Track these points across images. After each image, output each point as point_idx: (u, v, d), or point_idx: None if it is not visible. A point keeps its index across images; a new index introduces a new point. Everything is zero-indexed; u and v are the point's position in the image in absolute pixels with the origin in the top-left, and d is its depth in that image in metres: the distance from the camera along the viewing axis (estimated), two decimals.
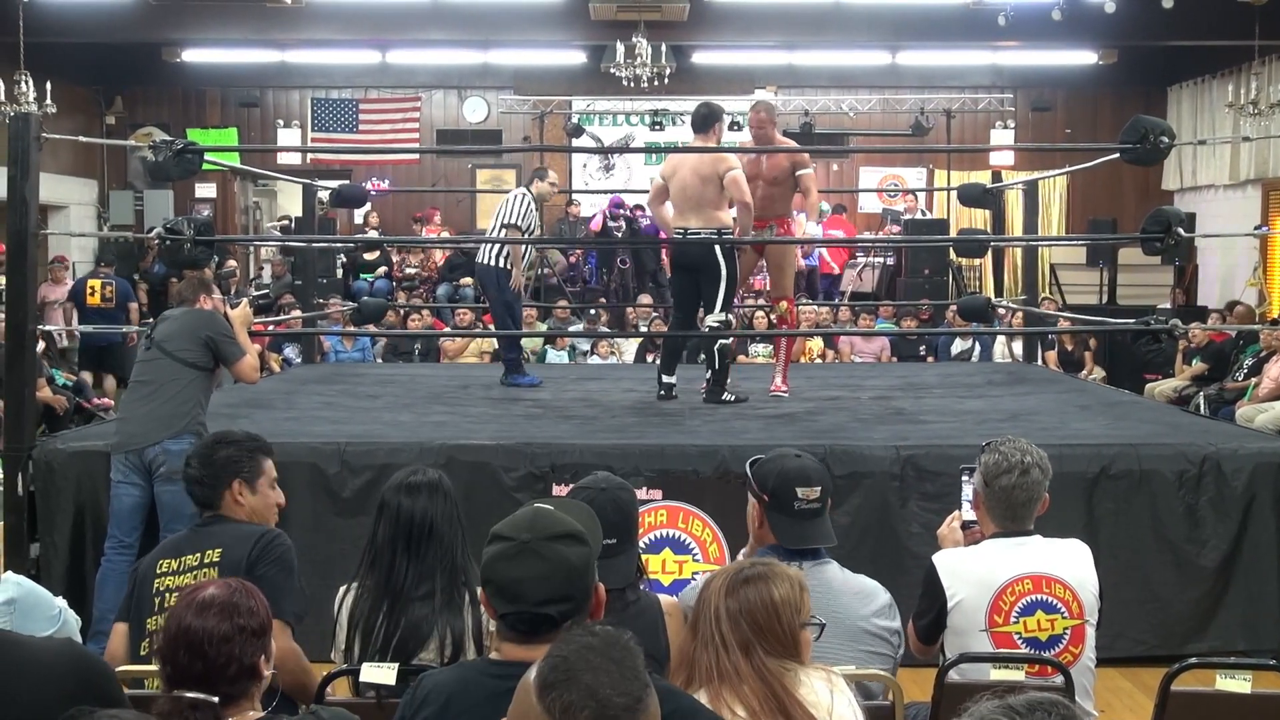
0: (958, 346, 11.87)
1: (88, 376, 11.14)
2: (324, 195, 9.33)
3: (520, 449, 5.25)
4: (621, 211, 13.68)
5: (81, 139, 8.00)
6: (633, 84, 13.21)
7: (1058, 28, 11.81)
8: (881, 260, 14.43)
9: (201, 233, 5.79)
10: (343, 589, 3.14)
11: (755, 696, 2.29)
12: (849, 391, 7.38)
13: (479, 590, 2.29)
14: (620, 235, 13.44)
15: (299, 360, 9.95)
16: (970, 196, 8.40)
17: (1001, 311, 11.25)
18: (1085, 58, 14.88)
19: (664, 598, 2.94)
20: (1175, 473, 5.19)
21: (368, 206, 14.87)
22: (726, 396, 6.63)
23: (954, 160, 15.09)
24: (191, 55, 15.03)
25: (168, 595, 3.13)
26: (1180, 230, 5.80)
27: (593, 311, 12.63)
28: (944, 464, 5.01)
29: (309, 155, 15.10)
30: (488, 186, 15.84)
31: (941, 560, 3.17)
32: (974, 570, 3.11)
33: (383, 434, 5.61)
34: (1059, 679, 2.93)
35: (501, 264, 7.46)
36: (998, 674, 2.91)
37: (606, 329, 12.49)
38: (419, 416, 6.37)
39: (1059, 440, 5.33)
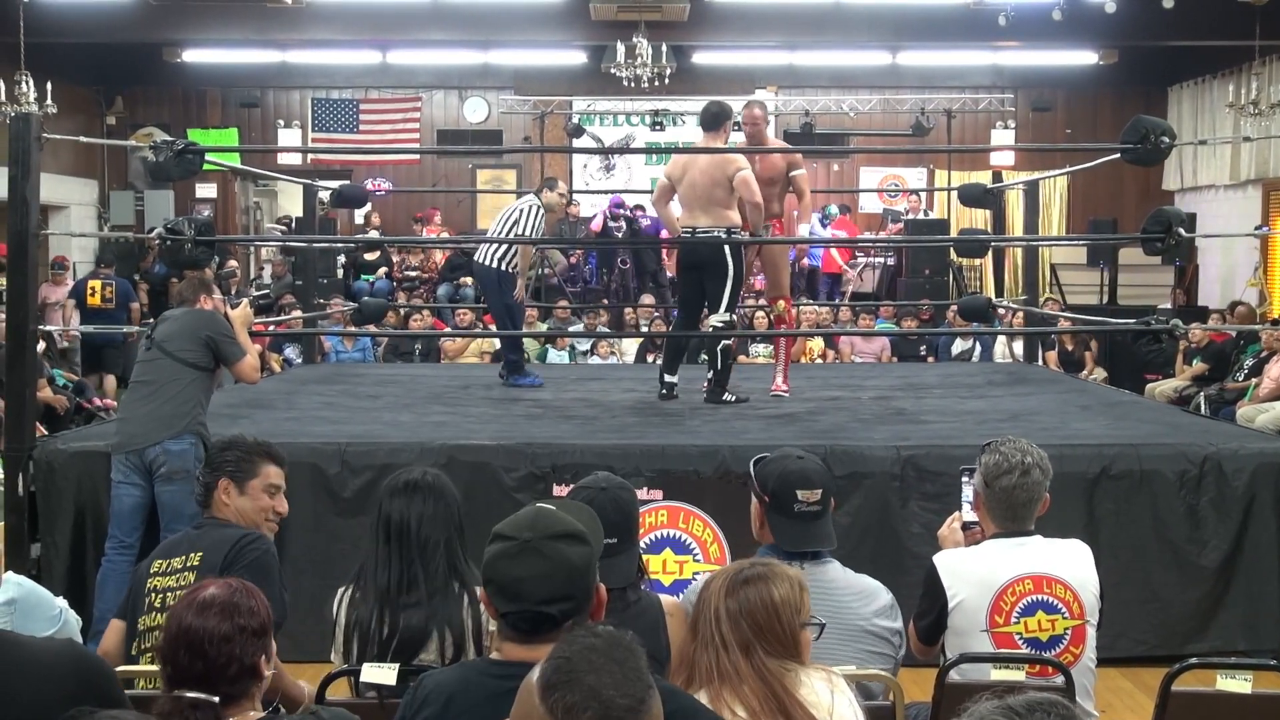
0: (958, 347, 11.87)
1: (90, 377, 11.17)
2: (324, 195, 9.33)
3: (521, 449, 5.25)
4: (622, 211, 13.68)
5: (82, 139, 7.98)
6: (633, 84, 13.21)
7: (1058, 28, 11.82)
8: (882, 260, 14.43)
9: (202, 233, 5.78)
10: (341, 590, 3.14)
11: (755, 696, 2.29)
12: (849, 392, 7.38)
13: (480, 589, 2.29)
14: (620, 235, 13.44)
15: (299, 360, 9.95)
16: (971, 196, 8.40)
17: (1002, 312, 11.25)
18: (1086, 58, 14.88)
19: (665, 598, 2.94)
20: (1176, 473, 5.19)
21: (369, 207, 14.89)
22: (727, 397, 6.62)
23: (954, 160, 15.09)
24: (192, 55, 15.04)
25: (155, 596, 3.14)
26: (1181, 230, 5.80)
27: (588, 312, 12.62)
28: (944, 464, 5.01)
29: (309, 155, 15.10)
30: (488, 187, 15.85)
31: (942, 561, 3.17)
32: (975, 571, 3.11)
33: (383, 434, 5.61)
34: (1059, 679, 2.93)
35: (501, 267, 7.47)
36: (998, 674, 2.91)
37: (606, 329, 12.49)
38: (419, 417, 6.37)
39: (1060, 440, 5.33)
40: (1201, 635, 5.15)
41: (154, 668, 2.46)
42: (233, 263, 14.03)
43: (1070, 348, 11.62)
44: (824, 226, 14.31)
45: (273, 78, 15.79)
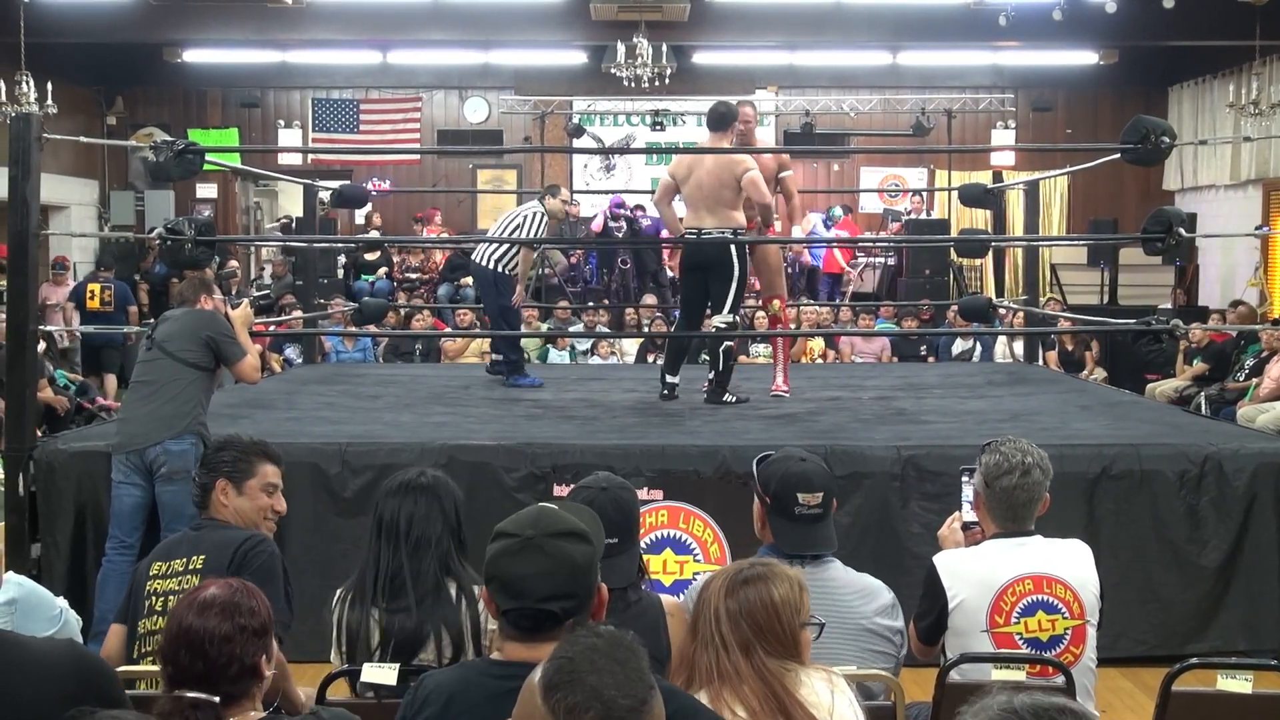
0: (958, 347, 11.87)
1: (91, 378, 11.18)
2: (325, 196, 9.33)
3: (521, 449, 5.25)
4: (622, 212, 13.68)
5: (82, 139, 7.98)
6: (633, 84, 13.21)
7: (1058, 28, 11.82)
8: (882, 260, 14.44)
9: (202, 233, 5.78)
10: (340, 590, 3.13)
11: (756, 697, 2.29)
12: (850, 392, 7.38)
13: (480, 588, 2.29)
14: (621, 235, 13.44)
15: (300, 360, 9.96)
16: (971, 197, 8.40)
17: (1002, 312, 11.25)
18: (1086, 58, 14.88)
19: (666, 598, 2.94)
20: (1176, 473, 5.19)
21: (369, 207, 14.89)
22: (728, 398, 6.62)
23: (955, 160, 15.09)
24: (192, 55, 15.04)
25: (155, 599, 3.13)
26: (1181, 230, 5.80)
27: (585, 315, 12.61)
28: (945, 464, 5.01)
29: (310, 155, 15.10)
30: (489, 187, 15.86)
31: (942, 561, 3.17)
32: (975, 571, 3.11)
33: (384, 434, 5.61)
34: (1060, 679, 2.93)
35: (498, 269, 7.49)
36: (999, 674, 2.91)
37: (606, 329, 12.49)
38: (420, 417, 6.37)
39: (1060, 440, 5.33)
40: (1202, 635, 5.16)
41: (155, 668, 2.46)
42: (233, 263, 14.03)
43: (1070, 348, 11.62)
44: (827, 228, 14.31)
45: (273, 78, 15.79)
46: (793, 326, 11.49)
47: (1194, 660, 3.04)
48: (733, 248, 6.44)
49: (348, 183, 10.56)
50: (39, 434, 5.80)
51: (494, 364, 8.11)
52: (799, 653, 2.39)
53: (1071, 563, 3.12)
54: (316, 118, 15.76)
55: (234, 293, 12.47)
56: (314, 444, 5.32)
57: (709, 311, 6.77)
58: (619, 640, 1.67)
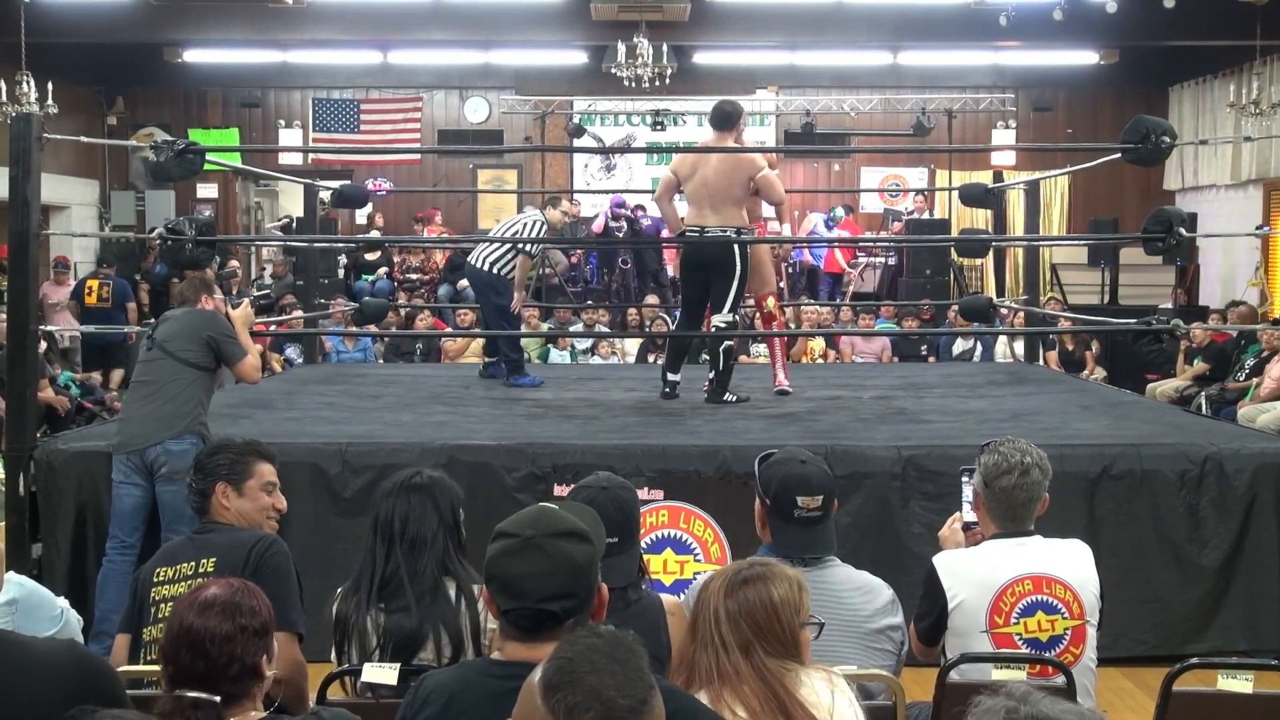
0: (959, 346, 11.87)
1: (96, 375, 11.21)
2: (325, 195, 9.33)
3: (522, 449, 5.25)
4: (623, 211, 13.68)
5: (83, 139, 7.98)
6: (634, 84, 13.22)
7: (1059, 28, 11.82)
8: (883, 260, 14.44)
9: (203, 233, 5.79)
10: (339, 590, 3.13)
11: (756, 697, 2.29)
12: (850, 391, 7.38)
13: (481, 588, 2.29)
14: (621, 235, 13.44)
15: (300, 360, 9.96)
16: (972, 196, 8.40)
17: (1003, 311, 11.25)
18: (1086, 58, 14.89)
19: (666, 597, 2.94)
20: (1177, 473, 5.19)
21: (370, 207, 14.90)
22: (728, 397, 6.62)
23: (955, 160, 15.09)
24: (193, 55, 15.05)
25: (163, 606, 3.10)
26: (1182, 230, 5.80)
27: (585, 313, 12.61)
28: (945, 464, 5.01)
29: (310, 155, 15.10)
30: (489, 187, 15.86)
31: (942, 562, 3.17)
32: (974, 571, 3.11)
33: (384, 434, 5.61)
34: (1060, 679, 2.93)
35: (494, 270, 7.51)
36: (999, 674, 2.91)
37: (606, 329, 12.49)
38: (420, 417, 6.37)
39: (1060, 440, 5.33)
40: (1202, 635, 5.16)
41: (157, 668, 2.45)
42: (234, 263, 14.04)
43: (1071, 348, 11.62)
44: (829, 228, 14.31)
45: (274, 78, 15.80)
46: (790, 325, 11.50)
47: (1194, 660, 3.04)
48: (735, 247, 6.45)
49: (348, 183, 10.56)
50: (39, 434, 5.81)
51: (486, 366, 8.12)
52: (799, 653, 2.39)
53: (1071, 563, 3.12)
54: (317, 118, 15.77)
55: (234, 293, 12.47)
56: (314, 444, 5.32)
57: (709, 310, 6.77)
58: (619, 640, 1.67)
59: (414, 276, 14.24)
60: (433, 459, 5.01)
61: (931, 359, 11.81)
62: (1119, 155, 5.97)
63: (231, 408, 6.42)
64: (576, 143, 14.48)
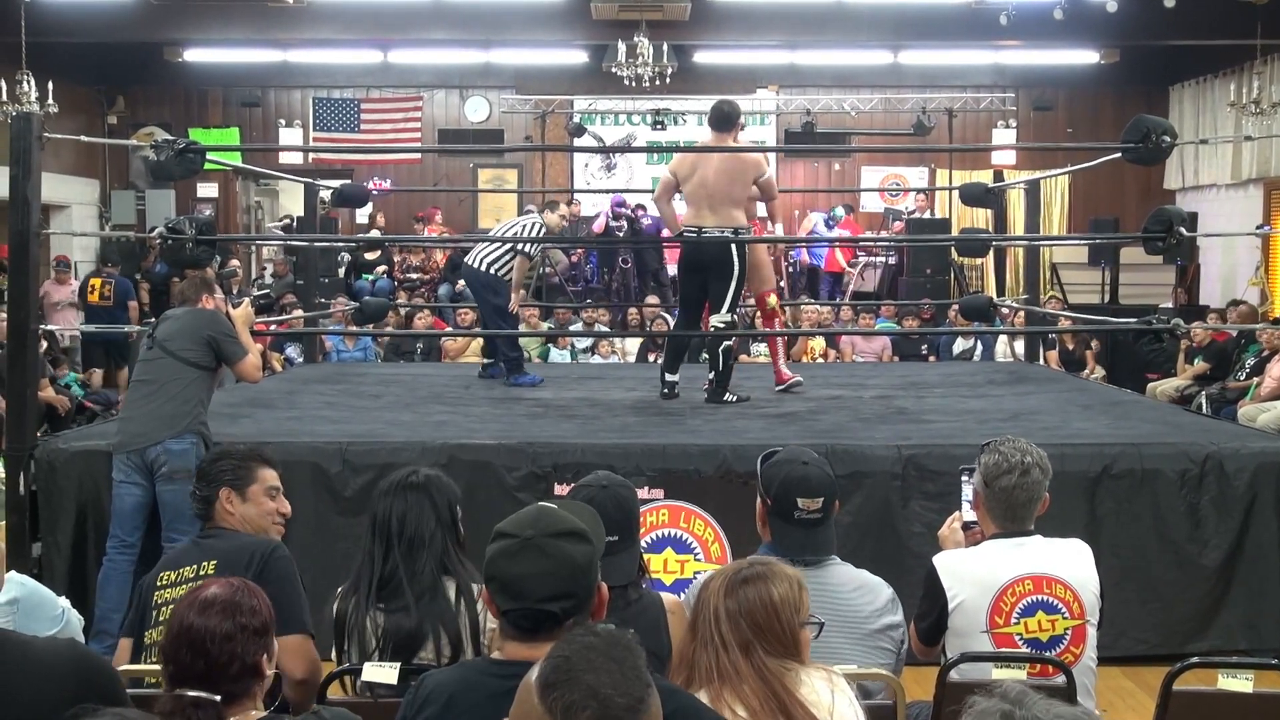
0: (959, 346, 11.86)
1: (99, 373, 11.23)
2: (325, 195, 9.34)
3: (522, 448, 5.25)
4: (623, 211, 13.68)
5: (83, 139, 7.99)
6: (634, 83, 13.22)
7: (1059, 27, 11.82)
8: (883, 260, 14.44)
9: (203, 232, 5.79)
10: (339, 590, 3.12)
11: (756, 696, 2.28)
12: (851, 391, 7.38)
13: (481, 587, 2.29)
14: (621, 235, 13.44)
15: (301, 360, 9.96)
16: (972, 196, 8.40)
17: (1003, 311, 11.25)
18: (1087, 57, 14.88)
19: (666, 596, 2.94)
20: (1177, 472, 5.19)
21: (371, 207, 14.90)
22: (729, 397, 6.62)
23: (956, 160, 15.08)
24: (193, 55, 15.05)
25: (164, 609, 3.10)
26: (1182, 230, 5.80)
27: (584, 313, 12.61)
28: (946, 463, 5.01)
29: (311, 155, 15.11)
30: (489, 186, 15.87)
31: (942, 562, 3.16)
32: (974, 571, 3.10)
33: (385, 433, 5.61)
34: (1060, 679, 2.93)
35: (491, 270, 7.52)
36: (999, 674, 2.91)
37: (605, 328, 12.49)
38: (421, 416, 6.37)
39: (1061, 440, 5.33)
40: (1202, 634, 5.16)
41: (158, 668, 2.46)
42: (235, 262, 14.05)
43: (1071, 347, 11.62)
44: (830, 227, 14.31)
45: (274, 77, 15.80)
46: (789, 324, 11.50)
47: (1195, 659, 3.03)
48: (733, 247, 6.45)
49: (348, 182, 10.57)
50: (40, 433, 5.81)
51: (485, 368, 8.12)
52: (799, 652, 2.39)
53: (1071, 562, 3.11)
54: (317, 117, 15.77)
55: (235, 292, 12.48)
56: (315, 443, 5.32)
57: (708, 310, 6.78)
58: (616, 639, 1.67)
59: (414, 276, 14.24)
60: (433, 458, 5.01)
61: (932, 358, 11.80)
62: (1119, 155, 5.97)
63: (232, 407, 6.42)
64: (577, 142, 14.48)
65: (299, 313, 9.77)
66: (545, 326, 12.12)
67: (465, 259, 7.96)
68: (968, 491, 3.38)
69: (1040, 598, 3.05)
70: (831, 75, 15.60)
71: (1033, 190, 8.78)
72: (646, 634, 2.74)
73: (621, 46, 12.89)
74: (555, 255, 13.81)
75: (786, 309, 11.38)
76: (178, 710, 2.20)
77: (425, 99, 15.89)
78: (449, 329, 12.16)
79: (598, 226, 13.78)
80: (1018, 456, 3.12)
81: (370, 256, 14.15)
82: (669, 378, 6.82)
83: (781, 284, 13.11)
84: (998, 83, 15.54)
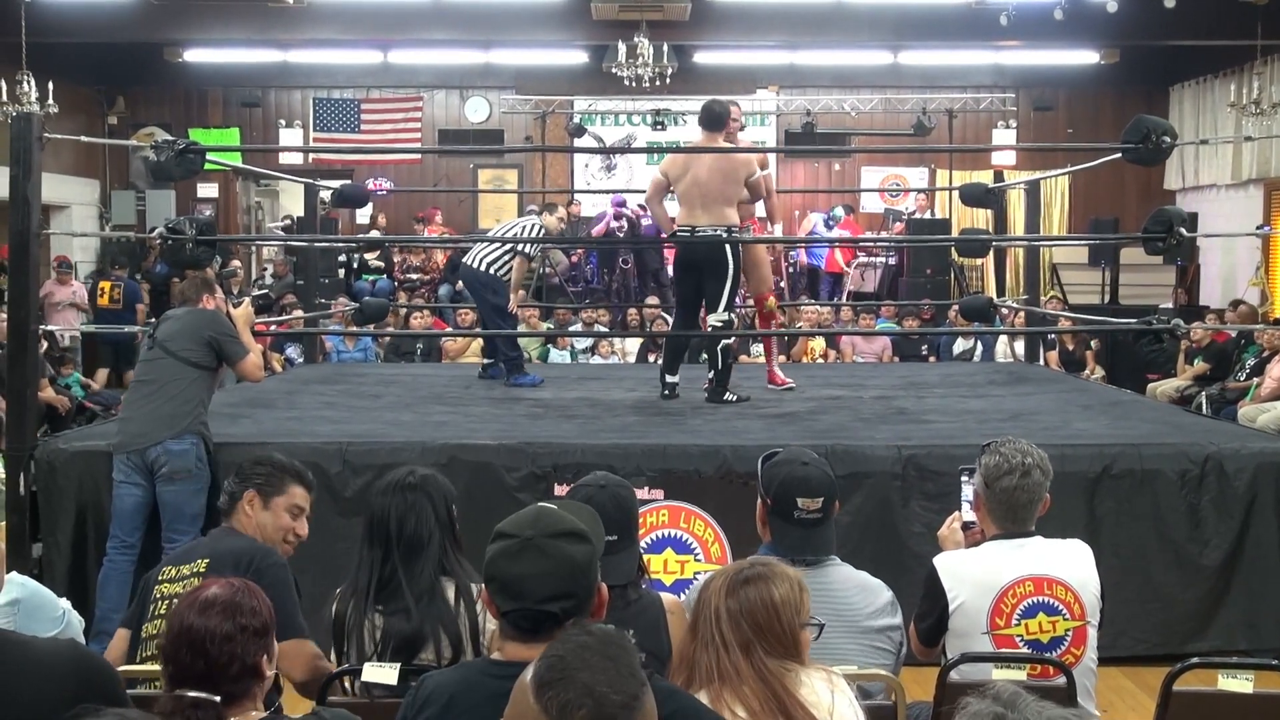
0: (960, 346, 11.87)
1: (104, 373, 11.24)
2: (325, 195, 9.34)
3: (522, 449, 5.25)
4: (624, 211, 13.69)
5: (83, 139, 7.99)
6: (634, 84, 13.22)
7: (1059, 27, 11.82)
8: (883, 260, 14.44)
9: (203, 232, 5.78)
10: (338, 591, 3.12)
11: (756, 697, 2.28)
12: (851, 391, 7.38)
13: (481, 588, 2.28)
14: (622, 235, 13.44)
15: (301, 360, 9.96)
16: (972, 196, 8.39)
17: (1003, 311, 11.25)
18: (1087, 57, 14.88)
19: (666, 596, 2.94)
20: (1177, 472, 5.19)
21: (372, 207, 14.89)
22: (729, 397, 6.62)
23: (956, 160, 15.09)
24: (193, 55, 15.05)
25: (161, 603, 3.12)
26: (1182, 230, 5.79)
27: (584, 313, 12.60)
28: (946, 464, 5.01)
29: (311, 155, 15.11)
30: (490, 186, 15.87)
31: (942, 562, 3.16)
32: (975, 572, 3.10)
33: (385, 434, 5.61)
34: (1061, 680, 2.93)
35: (489, 270, 7.53)
36: (1000, 674, 2.90)
37: (605, 328, 12.49)
38: (421, 416, 6.37)
39: (1061, 440, 5.33)
40: (1203, 635, 5.15)
41: (157, 668, 2.46)
42: (236, 262, 14.06)
43: (1071, 347, 11.62)
44: (829, 228, 14.31)
45: (274, 77, 15.80)
46: (788, 325, 11.50)
47: (1195, 660, 3.03)
48: (727, 246, 6.46)
49: (348, 182, 10.57)
50: (40, 433, 5.81)
51: (485, 368, 8.13)
52: (799, 653, 2.39)
53: (1072, 563, 3.11)
54: (317, 117, 15.77)
55: (236, 292, 12.48)
56: (315, 443, 5.32)
57: (704, 310, 6.78)
58: (610, 638, 1.68)
59: (414, 276, 14.24)
60: (433, 459, 5.01)
61: (932, 359, 11.81)
62: (1119, 155, 5.97)
63: (232, 407, 6.42)
64: (577, 142, 14.49)
65: (299, 313, 9.77)
66: (545, 327, 12.12)
67: (464, 259, 7.96)
68: (968, 491, 3.38)
69: (1041, 599, 3.05)
70: (831, 75, 15.60)
71: (1033, 190, 8.78)
72: (646, 634, 2.74)
73: (621, 47, 12.89)
74: (555, 256, 13.81)
75: (786, 310, 11.38)
76: (177, 710, 2.20)
77: (425, 99, 15.89)
78: (449, 329, 12.16)
79: (599, 230, 13.78)
80: (1018, 458, 3.12)
81: (370, 256, 14.15)
82: (669, 379, 6.82)
83: (781, 284, 13.11)
84: (998, 83, 15.54)
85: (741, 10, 13.19)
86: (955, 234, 13.06)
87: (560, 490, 4.93)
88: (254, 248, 15.81)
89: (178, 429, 4.91)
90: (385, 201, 15.39)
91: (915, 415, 6.39)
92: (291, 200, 16.34)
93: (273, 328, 9.29)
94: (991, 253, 13.31)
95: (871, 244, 14.52)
